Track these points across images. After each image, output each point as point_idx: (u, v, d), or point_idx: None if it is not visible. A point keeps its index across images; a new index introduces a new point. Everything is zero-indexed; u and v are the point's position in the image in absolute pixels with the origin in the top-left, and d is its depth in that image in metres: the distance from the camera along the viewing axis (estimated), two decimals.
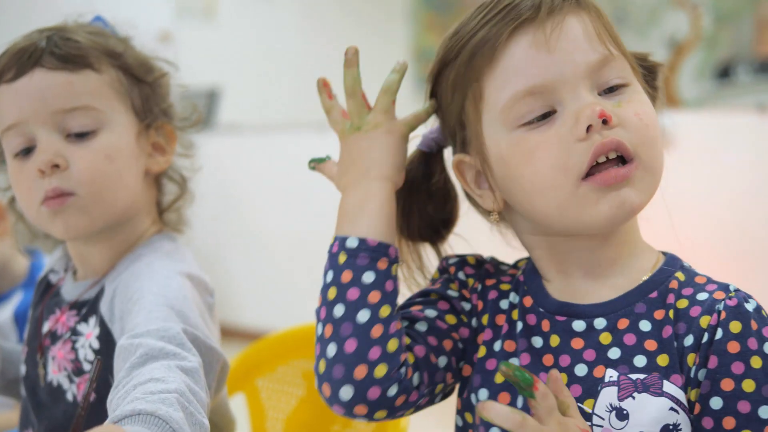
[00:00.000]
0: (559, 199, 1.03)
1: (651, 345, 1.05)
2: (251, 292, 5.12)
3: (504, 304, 1.15)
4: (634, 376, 1.04)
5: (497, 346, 1.13)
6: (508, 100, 1.03)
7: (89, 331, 1.33)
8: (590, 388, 1.05)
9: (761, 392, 1.01)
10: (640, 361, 1.05)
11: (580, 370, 1.07)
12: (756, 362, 1.02)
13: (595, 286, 1.10)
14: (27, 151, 1.32)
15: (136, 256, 1.37)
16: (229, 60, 6.04)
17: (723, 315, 1.03)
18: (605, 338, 1.07)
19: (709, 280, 1.08)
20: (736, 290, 1.06)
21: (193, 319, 1.26)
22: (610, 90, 1.04)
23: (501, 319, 1.14)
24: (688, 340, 1.04)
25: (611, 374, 1.05)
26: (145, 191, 1.42)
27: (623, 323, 1.07)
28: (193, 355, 1.20)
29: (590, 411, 1.04)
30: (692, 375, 1.03)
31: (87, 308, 1.36)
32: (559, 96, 1.03)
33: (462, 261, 1.19)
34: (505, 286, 1.16)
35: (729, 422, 1.01)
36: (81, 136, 1.33)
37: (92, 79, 1.34)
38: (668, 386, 1.03)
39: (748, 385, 1.01)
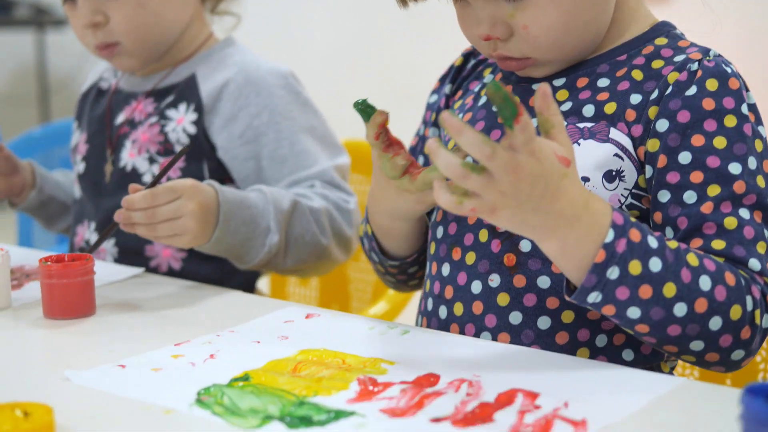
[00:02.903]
0: None
1: (603, 96, 1.08)
2: None
3: (477, 86, 1.21)
4: (581, 125, 1.07)
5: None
6: None
7: (181, 116, 1.46)
8: None
9: (732, 150, 1.02)
10: (589, 111, 1.08)
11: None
12: (730, 121, 1.03)
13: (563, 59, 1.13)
14: None
15: (224, 54, 1.52)
16: None
17: (699, 73, 1.04)
18: (561, 95, 1.11)
19: (693, 45, 1.10)
20: (717, 55, 1.07)
21: (333, 137, 1.50)
22: None
23: (469, 99, 1.20)
24: (653, 95, 1.06)
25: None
26: (192, 2, 1.52)
27: (582, 82, 1.11)
28: (349, 195, 1.46)
29: None
30: (651, 126, 1.05)
31: (176, 94, 1.49)
32: None
33: (468, 54, 1.27)
34: (487, 71, 1.23)
35: (697, 176, 1.02)
36: None
37: None
38: (615, 133, 1.06)
39: (720, 142, 1.03)
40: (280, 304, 1.24)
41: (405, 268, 1.24)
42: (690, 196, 1.02)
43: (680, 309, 0.95)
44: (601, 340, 1.06)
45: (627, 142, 1.06)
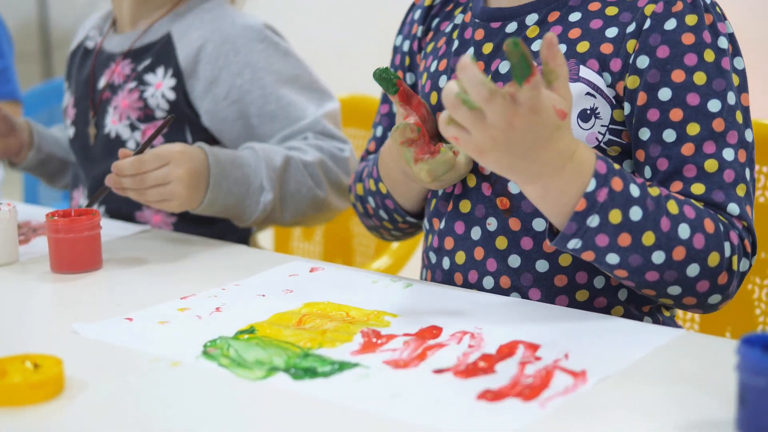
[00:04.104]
0: None
1: (574, 33, 1.08)
2: None
3: (448, 27, 1.20)
4: None
5: (432, 66, 1.18)
6: None
7: (159, 81, 1.45)
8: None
9: (711, 86, 1.02)
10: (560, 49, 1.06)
11: (504, 67, 1.10)
12: (709, 55, 1.03)
13: None
14: None
15: (200, 10, 1.49)
16: None
17: (679, 6, 1.03)
18: (532, 32, 1.10)
19: None
20: None
21: (318, 83, 1.49)
22: None
23: (442, 42, 1.19)
24: (630, 27, 1.05)
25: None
26: None
27: (553, 16, 1.10)
28: (344, 142, 1.45)
29: None
30: (631, 61, 1.04)
31: (152, 57, 1.47)
32: None
33: None
34: (457, 10, 1.21)
35: (676, 114, 1.03)
36: None
37: None
38: (585, 71, 1.06)
39: (699, 78, 1.03)
40: (284, 258, 1.25)
41: (417, 223, 1.25)
42: (669, 135, 1.03)
43: (658, 257, 0.96)
44: (599, 281, 1.08)
45: (597, 80, 1.05)
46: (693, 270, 0.98)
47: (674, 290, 0.99)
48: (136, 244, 1.34)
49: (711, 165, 1.02)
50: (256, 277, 1.15)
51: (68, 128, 1.58)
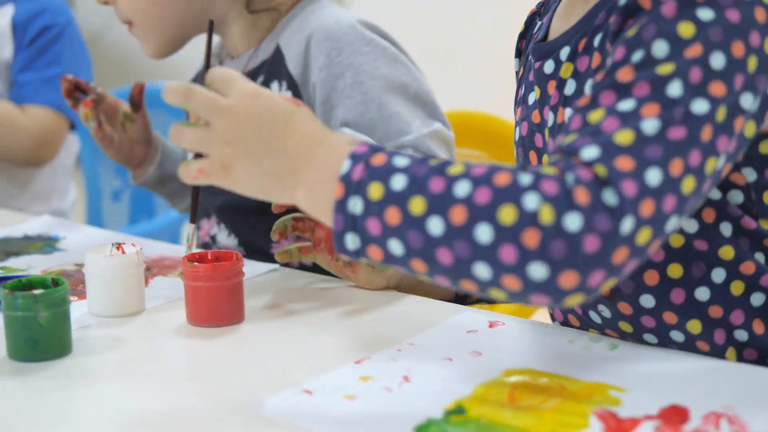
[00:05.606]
0: None
1: (597, 59, 0.90)
2: None
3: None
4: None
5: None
6: None
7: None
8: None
9: (641, 34, 0.80)
10: (589, 87, 0.91)
11: (551, 120, 0.97)
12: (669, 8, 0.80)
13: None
14: None
15: (306, 13, 1.37)
16: None
17: None
18: (566, 71, 0.95)
19: None
20: None
21: (428, 96, 1.32)
22: None
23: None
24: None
25: (569, 114, 0.93)
26: None
27: (582, 44, 0.94)
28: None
29: None
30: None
31: (265, 73, 1.37)
32: None
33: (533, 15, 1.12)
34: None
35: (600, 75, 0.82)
36: None
37: None
38: None
39: (636, 32, 0.81)
40: (445, 308, 1.10)
41: None
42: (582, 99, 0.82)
43: (436, 225, 0.76)
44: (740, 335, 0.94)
45: None
46: (484, 233, 0.74)
47: (482, 271, 0.75)
48: (268, 288, 1.19)
49: (596, 115, 0.78)
50: (430, 334, 1.01)
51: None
